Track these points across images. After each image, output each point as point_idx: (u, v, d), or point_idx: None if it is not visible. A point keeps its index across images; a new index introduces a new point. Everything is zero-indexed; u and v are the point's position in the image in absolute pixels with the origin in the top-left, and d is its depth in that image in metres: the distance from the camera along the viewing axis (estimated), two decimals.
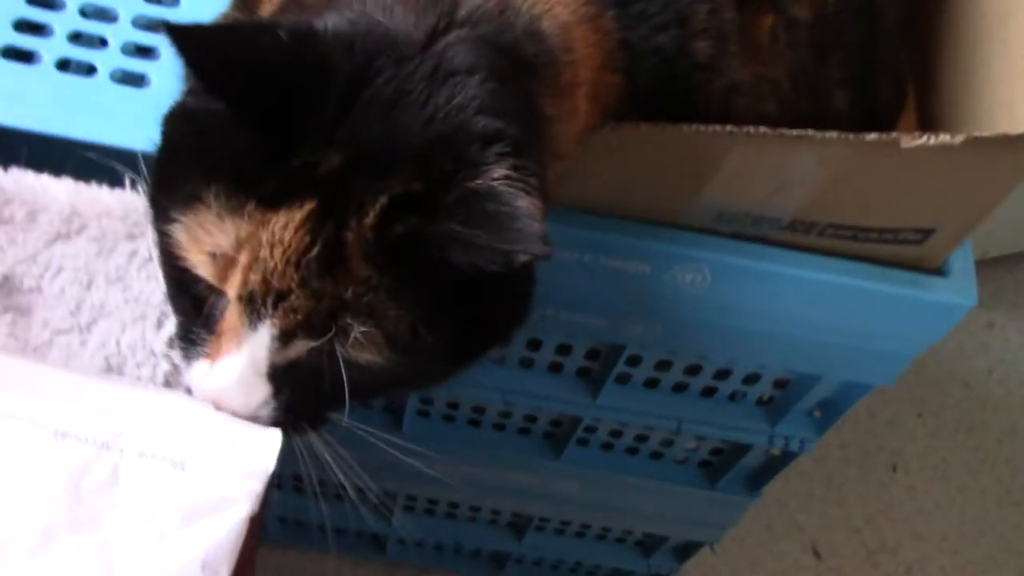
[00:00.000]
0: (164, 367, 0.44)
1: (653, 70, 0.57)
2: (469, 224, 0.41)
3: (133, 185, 0.48)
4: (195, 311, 0.44)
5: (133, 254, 0.46)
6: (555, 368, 0.89)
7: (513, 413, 0.98)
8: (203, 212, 0.41)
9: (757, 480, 1.01)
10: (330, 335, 0.42)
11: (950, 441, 1.49)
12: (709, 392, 0.89)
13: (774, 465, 0.98)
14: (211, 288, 0.43)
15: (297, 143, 0.41)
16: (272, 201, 0.41)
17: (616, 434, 0.98)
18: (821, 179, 0.61)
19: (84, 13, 0.74)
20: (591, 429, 0.97)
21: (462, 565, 1.33)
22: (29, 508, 0.38)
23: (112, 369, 0.44)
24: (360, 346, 0.43)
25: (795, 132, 0.57)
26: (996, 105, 0.65)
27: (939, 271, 0.72)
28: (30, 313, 0.44)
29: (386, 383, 0.47)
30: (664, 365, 0.86)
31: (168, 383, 0.44)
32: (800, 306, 0.74)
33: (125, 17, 0.75)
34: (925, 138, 0.56)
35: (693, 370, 0.86)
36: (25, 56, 0.71)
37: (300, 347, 0.44)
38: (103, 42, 0.73)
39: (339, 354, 0.43)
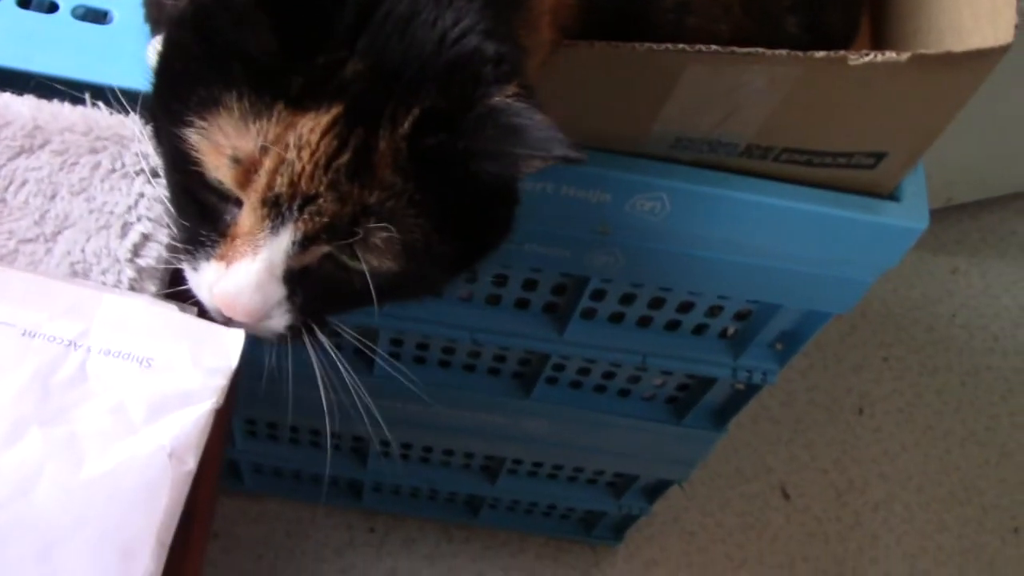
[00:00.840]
0: (128, 273, 0.45)
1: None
2: (498, 137, 0.44)
3: (94, 103, 0.49)
4: (203, 217, 0.44)
5: (96, 166, 0.47)
6: (522, 305, 0.91)
7: (482, 353, 1.00)
8: (224, 116, 0.41)
9: (723, 415, 1.03)
10: (351, 240, 0.43)
11: (915, 384, 1.53)
12: (673, 326, 0.91)
13: (738, 399, 1.00)
14: (223, 195, 0.44)
15: (319, 45, 0.41)
16: (299, 103, 0.41)
17: (584, 372, 1.00)
18: (773, 100, 0.62)
19: None
20: (559, 367, 0.99)
21: (437, 511, 1.35)
22: None
23: (77, 275, 0.45)
24: (377, 251, 0.44)
25: (745, 50, 0.58)
26: (945, 30, 0.67)
27: (892, 196, 0.74)
28: None
29: (393, 289, 0.48)
30: (628, 299, 0.88)
31: (132, 289, 0.45)
32: (758, 233, 0.75)
33: None
34: (872, 56, 0.58)
35: (656, 303, 0.88)
36: None
37: (317, 251, 0.45)
38: None
39: (356, 258, 0.44)
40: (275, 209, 0.42)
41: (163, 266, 0.46)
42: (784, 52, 0.58)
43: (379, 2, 0.42)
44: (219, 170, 0.42)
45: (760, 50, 0.58)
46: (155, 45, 0.48)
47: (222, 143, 0.41)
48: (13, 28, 0.68)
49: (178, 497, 0.40)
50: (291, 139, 0.41)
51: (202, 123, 0.41)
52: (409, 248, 0.45)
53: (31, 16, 0.71)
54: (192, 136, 0.42)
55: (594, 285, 0.86)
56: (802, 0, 0.67)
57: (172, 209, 0.46)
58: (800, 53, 0.58)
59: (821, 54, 0.58)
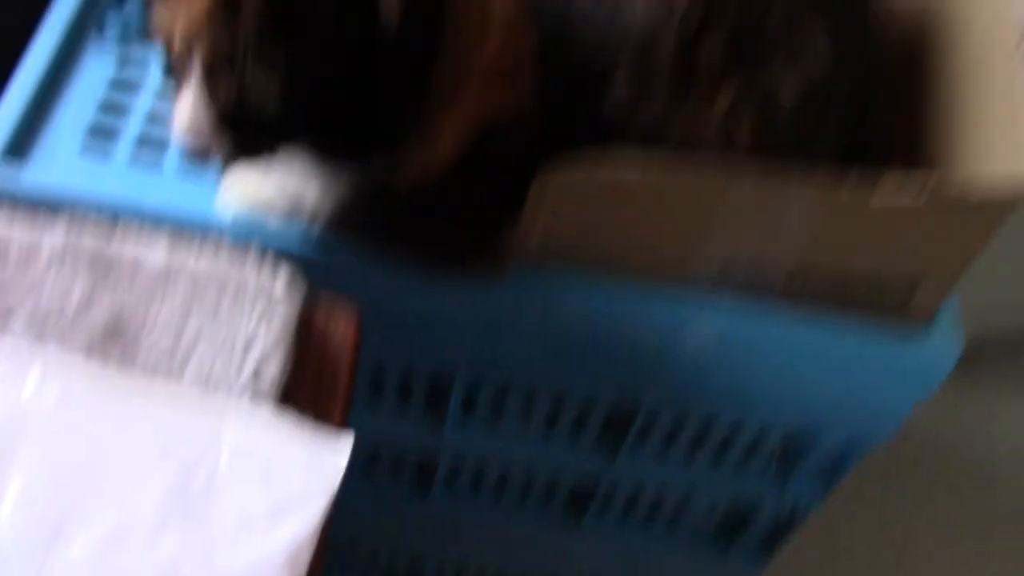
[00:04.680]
0: (248, 391, 0.51)
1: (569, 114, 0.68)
2: None
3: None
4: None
5: (222, 295, 0.54)
6: (574, 435, 0.95)
7: (534, 483, 1.04)
8: None
9: (767, 544, 1.06)
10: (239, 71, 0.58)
11: (958, 528, 1.53)
12: (719, 454, 0.96)
13: (782, 529, 1.03)
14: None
15: None
16: None
17: (632, 502, 1.03)
18: (807, 230, 0.69)
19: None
20: (606, 498, 1.02)
21: None
22: (145, 507, 0.45)
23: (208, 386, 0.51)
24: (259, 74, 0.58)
25: (778, 184, 0.65)
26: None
27: (928, 325, 0.79)
28: (137, 344, 0.52)
29: (308, 120, 0.62)
30: (674, 431, 0.93)
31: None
32: (799, 363, 0.80)
33: None
34: (893, 197, 0.64)
35: (700, 438, 0.92)
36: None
37: (223, 87, 0.59)
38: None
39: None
40: (187, 51, 0.60)
41: (279, 385, 0.52)
42: (814, 188, 0.65)
43: None
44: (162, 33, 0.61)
45: (790, 185, 0.65)
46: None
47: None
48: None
49: None
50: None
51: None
52: (290, 70, 0.59)
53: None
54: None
55: (643, 419, 0.91)
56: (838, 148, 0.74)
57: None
58: (828, 187, 0.64)
59: (847, 191, 0.65)
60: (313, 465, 0.47)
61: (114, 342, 0.52)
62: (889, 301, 0.77)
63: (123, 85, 0.84)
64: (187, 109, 0.60)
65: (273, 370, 0.52)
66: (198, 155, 0.63)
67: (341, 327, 0.57)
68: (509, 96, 0.68)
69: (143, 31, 0.91)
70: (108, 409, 0.48)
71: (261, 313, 0.54)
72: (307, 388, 0.54)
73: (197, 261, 0.54)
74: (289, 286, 0.55)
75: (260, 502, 0.46)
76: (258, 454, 0.47)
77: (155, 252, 0.54)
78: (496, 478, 1.04)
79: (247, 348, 0.52)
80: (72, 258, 0.54)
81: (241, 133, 0.62)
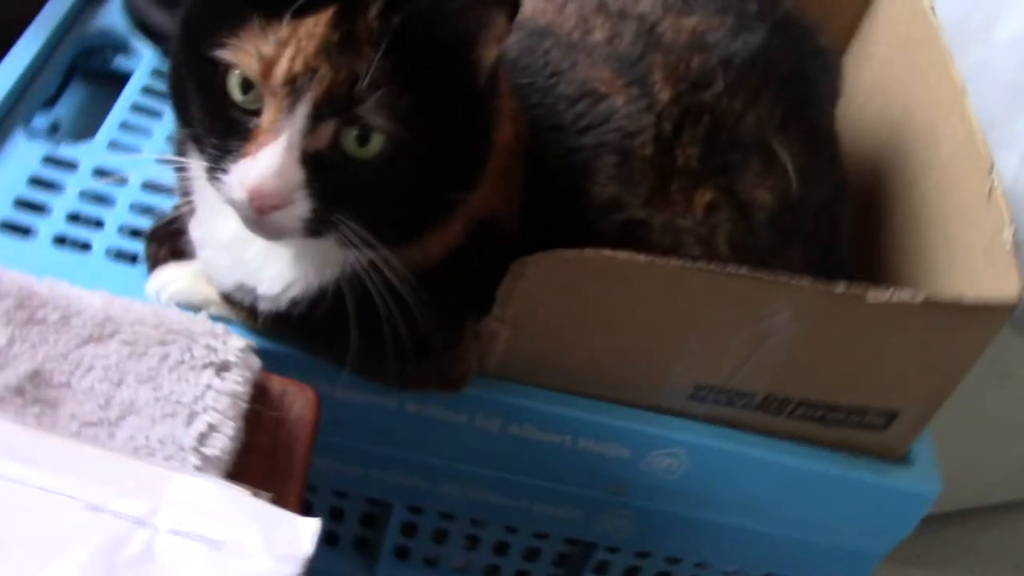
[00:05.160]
0: (193, 461, 0.43)
1: (550, 204, 0.66)
2: (446, 5, 0.55)
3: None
4: (230, 131, 0.55)
5: (165, 357, 0.46)
6: None
7: None
8: (249, 31, 0.54)
9: None
10: (350, 108, 0.53)
11: None
12: None
13: None
14: (247, 111, 0.54)
15: None
16: (302, 11, 0.53)
17: None
18: (791, 339, 0.65)
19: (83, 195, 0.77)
20: None
21: None
22: None
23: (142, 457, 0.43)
24: (374, 113, 0.53)
25: (772, 277, 0.61)
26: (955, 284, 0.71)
27: (903, 460, 0.75)
28: (58, 406, 0.43)
29: (398, 183, 0.57)
30: (632, 573, 0.85)
31: None
32: (771, 494, 0.75)
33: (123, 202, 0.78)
34: (890, 294, 0.61)
35: None
36: (23, 231, 0.73)
37: (327, 131, 0.54)
38: (99, 223, 0.76)
39: (360, 140, 0.54)
40: (291, 87, 0.53)
41: (228, 457, 0.44)
42: (808, 281, 0.61)
43: None
44: (250, 68, 0.53)
45: (785, 279, 0.61)
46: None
47: (249, 48, 0.53)
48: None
49: None
50: (301, 33, 0.53)
51: (234, 40, 0.54)
52: (400, 113, 0.54)
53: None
54: (225, 52, 0.54)
55: (599, 557, 0.83)
56: (813, 263, 0.72)
57: (204, 135, 0.56)
58: (823, 283, 0.61)
59: (842, 287, 0.62)
60: (271, 542, 0.39)
61: (32, 403, 0.44)
62: (866, 433, 0.73)
63: (45, 183, 0.78)
64: (272, 155, 0.53)
65: (220, 446, 0.45)
66: (263, 215, 0.54)
67: (298, 405, 0.50)
68: (507, 190, 0.64)
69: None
70: (22, 472, 0.39)
71: (207, 380, 0.47)
72: (257, 470, 0.46)
73: (138, 314, 0.47)
74: (242, 354, 0.48)
75: None
76: (203, 522, 0.39)
77: (90, 301, 0.47)
78: None
79: (190, 416, 0.45)
80: None
81: (330, 188, 0.55)
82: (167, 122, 0.84)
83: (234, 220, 0.58)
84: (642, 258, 0.61)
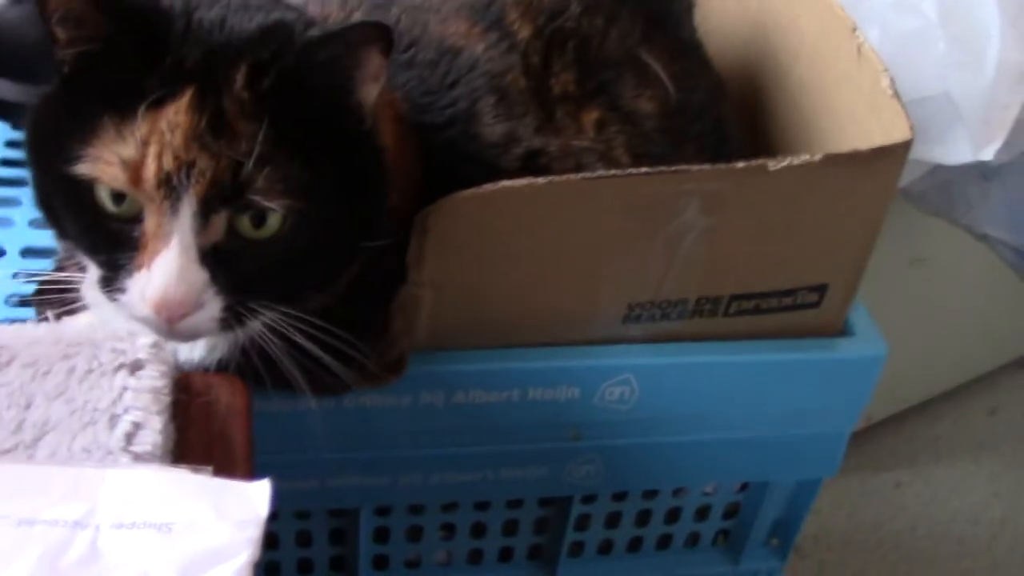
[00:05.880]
0: (123, 462, 0.41)
1: (447, 161, 0.64)
2: (315, 57, 0.52)
3: (58, 318, 0.47)
4: (114, 245, 0.51)
5: (71, 370, 0.44)
6: (505, 556, 0.85)
7: None
8: (103, 135, 0.49)
9: None
10: (240, 195, 0.50)
11: None
12: (664, 542, 0.87)
13: None
14: (124, 219, 0.50)
15: (160, 55, 0.51)
16: (159, 101, 0.50)
17: None
18: (707, 230, 0.64)
19: None
20: None
21: None
22: None
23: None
24: (267, 194, 0.50)
25: (674, 168, 0.61)
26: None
27: (844, 333, 0.75)
28: None
29: (303, 254, 0.54)
30: (614, 520, 0.84)
31: None
32: (727, 399, 0.75)
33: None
34: (788, 160, 0.61)
35: (643, 518, 0.84)
36: None
37: (219, 222, 0.50)
38: None
39: (254, 223, 0.51)
40: (168, 188, 0.49)
41: (160, 452, 0.42)
42: (709, 166, 0.61)
43: (194, 14, 0.53)
44: (113, 178, 0.49)
45: (687, 167, 0.61)
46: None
47: (109, 156, 0.49)
48: None
49: None
50: (163, 126, 0.49)
51: (89, 150, 0.49)
52: (293, 185, 0.51)
53: None
54: (83, 167, 0.50)
55: (577, 512, 0.82)
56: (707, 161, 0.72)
57: (86, 253, 0.53)
58: (723, 165, 0.61)
59: (742, 164, 0.62)
60: (224, 512, 0.37)
61: None
62: (801, 315, 0.73)
63: None
64: (168, 262, 0.49)
65: (149, 441, 0.42)
66: (173, 324, 0.50)
67: (226, 393, 0.48)
68: (401, 187, 0.62)
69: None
70: None
71: (121, 382, 0.44)
72: (196, 458, 0.44)
73: (33, 335, 0.45)
74: (152, 350, 0.46)
75: (163, 562, 0.35)
76: (148, 509, 0.37)
77: None
78: None
79: (112, 424, 0.42)
80: None
81: (236, 278, 0.52)
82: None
83: None
84: (541, 180, 0.60)
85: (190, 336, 0.53)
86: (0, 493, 0.37)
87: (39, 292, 0.69)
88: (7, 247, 0.77)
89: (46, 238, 0.68)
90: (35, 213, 0.79)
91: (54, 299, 0.68)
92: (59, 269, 0.65)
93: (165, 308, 0.49)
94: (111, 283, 0.51)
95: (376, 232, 0.57)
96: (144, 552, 0.36)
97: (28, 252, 0.77)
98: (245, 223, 0.51)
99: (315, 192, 0.52)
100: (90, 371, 0.44)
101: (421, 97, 0.65)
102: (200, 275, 0.50)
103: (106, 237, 0.51)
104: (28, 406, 0.42)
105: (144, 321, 0.51)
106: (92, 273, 0.54)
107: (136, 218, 0.51)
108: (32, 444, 0.41)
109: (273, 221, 0.52)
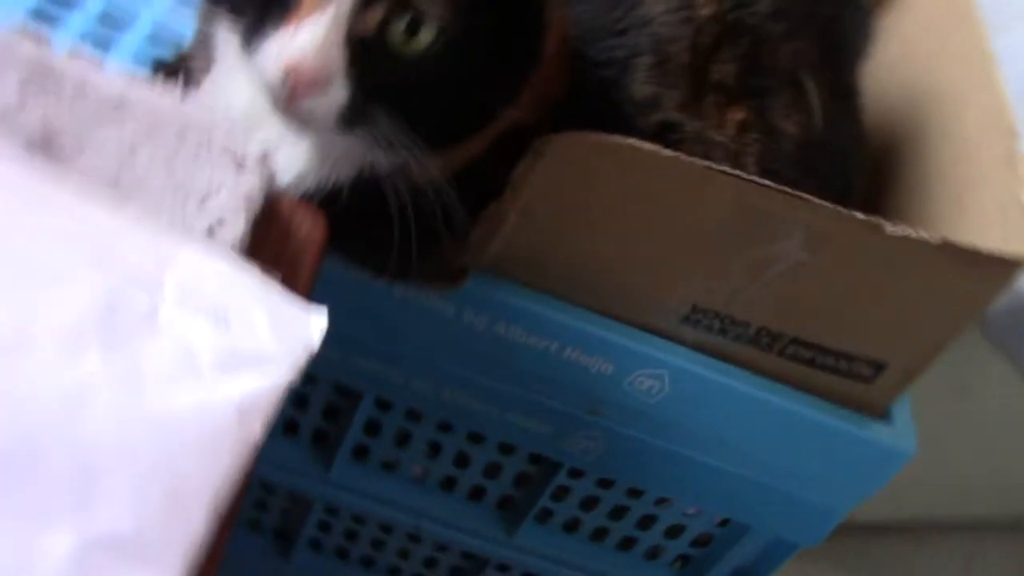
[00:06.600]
0: (201, 247, 0.41)
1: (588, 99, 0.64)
2: None
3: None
4: (269, 3, 0.50)
5: (182, 145, 0.44)
6: (476, 495, 0.85)
7: (411, 553, 0.92)
8: None
9: None
10: None
11: None
12: (628, 544, 0.87)
13: None
14: None
15: None
16: None
17: None
18: (799, 265, 0.64)
19: None
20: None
21: None
22: (60, 317, 0.34)
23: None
24: (430, 2, 0.49)
25: (793, 192, 0.60)
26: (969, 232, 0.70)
27: (883, 417, 0.74)
28: (66, 175, 0.41)
29: (441, 76, 0.53)
30: (589, 504, 0.84)
31: None
32: (748, 434, 0.74)
33: None
34: (908, 230, 0.61)
35: (618, 513, 0.84)
36: None
37: (374, 17, 0.50)
38: None
39: (409, 33, 0.50)
40: None
41: (237, 250, 0.42)
42: (829, 204, 0.60)
43: None
44: None
45: (808, 196, 0.60)
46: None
47: None
48: None
49: (239, 464, 0.34)
50: None
51: None
52: (458, 5, 0.50)
53: None
54: None
55: (559, 481, 0.82)
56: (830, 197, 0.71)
57: (234, 11, 0.52)
58: (842, 209, 0.60)
59: (860, 214, 0.61)
60: (279, 325, 0.37)
61: (41, 158, 0.41)
62: (850, 384, 0.73)
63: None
64: (315, 30, 0.48)
65: (230, 234, 0.42)
66: (296, 97, 0.50)
67: (307, 224, 0.48)
68: (538, 100, 0.62)
69: None
70: (24, 208, 0.37)
71: (223, 175, 0.44)
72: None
73: (159, 99, 0.45)
74: (260, 161, 0.46)
75: (209, 349, 0.36)
76: (212, 297, 0.37)
77: (108, 80, 0.45)
78: (371, 539, 0.91)
79: (202, 203, 0.43)
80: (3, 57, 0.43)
81: (370, 78, 0.51)
82: None
83: (253, 91, 0.54)
84: (667, 152, 0.60)
85: (306, 119, 0.52)
86: (82, 233, 0.37)
87: (169, 65, 0.70)
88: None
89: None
90: None
91: (182, 75, 0.69)
92: (186, 57, 0.65)
93: (296, 73, 0.49)
94: (251, 36, 0.51)
95: (513, 101, 0.57)
96: (195, 334, 0.36)
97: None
98: (398, 30, 0.51)
99: (473, 24, 0.51)
100: (197, 155, 0.44)
101: (588, 32, 0.65)
102: (340, 56, 0.50)
103: None
104: (131, 163, 0.43)
105: (270, 86, 0.51)
106: (229, 43, 0.54)
107: None
108: (121, 202, 0.41)
109: (425, 36, 0.51)
